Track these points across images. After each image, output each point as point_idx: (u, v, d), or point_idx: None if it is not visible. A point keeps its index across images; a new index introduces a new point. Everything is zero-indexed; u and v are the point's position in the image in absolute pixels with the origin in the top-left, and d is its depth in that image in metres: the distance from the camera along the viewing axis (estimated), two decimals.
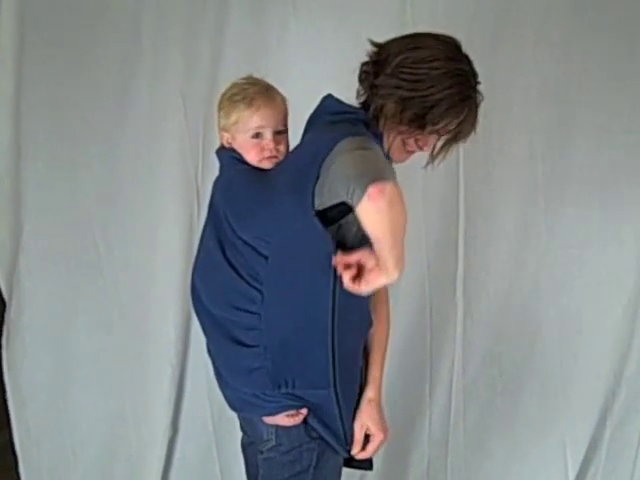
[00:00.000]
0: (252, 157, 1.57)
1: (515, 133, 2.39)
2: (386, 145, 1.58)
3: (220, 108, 1.63)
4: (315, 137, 1.55)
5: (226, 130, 1.62)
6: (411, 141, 1.60)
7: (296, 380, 1.55)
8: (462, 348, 2.53)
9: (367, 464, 1.73)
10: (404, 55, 1.51)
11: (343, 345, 1.54)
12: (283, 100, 1.61)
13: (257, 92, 1.58)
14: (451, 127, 1.55)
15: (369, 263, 1.45)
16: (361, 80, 1.60)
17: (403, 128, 1.55)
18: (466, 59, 1.56)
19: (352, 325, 1.59)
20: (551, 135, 2.39)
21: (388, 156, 1.57)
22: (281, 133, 1.58)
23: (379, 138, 1.56)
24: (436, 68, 1.51)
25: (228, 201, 1.60)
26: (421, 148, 1.62)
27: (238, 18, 2.34)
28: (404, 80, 1.51)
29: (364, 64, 1.59)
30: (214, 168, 1.73)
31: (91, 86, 2.37)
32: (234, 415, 2.52)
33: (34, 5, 2.30)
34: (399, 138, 1.58)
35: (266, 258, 1.51)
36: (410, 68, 1.51)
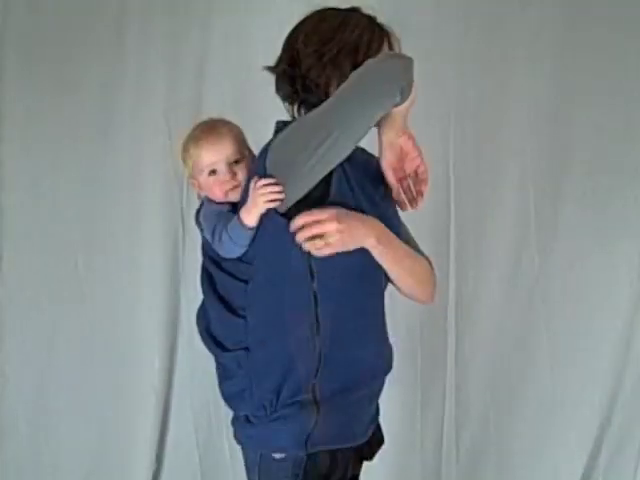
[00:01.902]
0: (217, 194, 1.54)
1: (507, 154, 2.39)
2: None
3: (182, 160, 1.61)
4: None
5: (193, 177, 1.60)
6: None
7: (281, 392, 1.48)
8: (454, 374, 2.50)
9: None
10: (302, 37, 1.50)
11: (336, 355, 1.47)
12: (231, 130, 1.56)
13: (201, 130, 1.56)
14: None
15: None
16: (291, 93, 1.53)
17: None
18: None
19: (351, 335, 1.51)
20: (543, 156, 2.38)
21: None
22: (238, 162, 1.54)
23: None
24: (326, 21, 1.50)
25: None
26: None
27: (223, 37, 2.34)
28: (316, 49, 1.47)
29: (283, 81, 1.53)
30: None
31: (73, 107, 2.35)
32: (221, 445, 2.48)
33: (15, 23, 2.29)
34: None
35: (246, 282, 1.48)
36: (312, 36, 1.49)
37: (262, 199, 1.38)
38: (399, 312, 2.43)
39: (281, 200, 1.39)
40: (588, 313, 2.44)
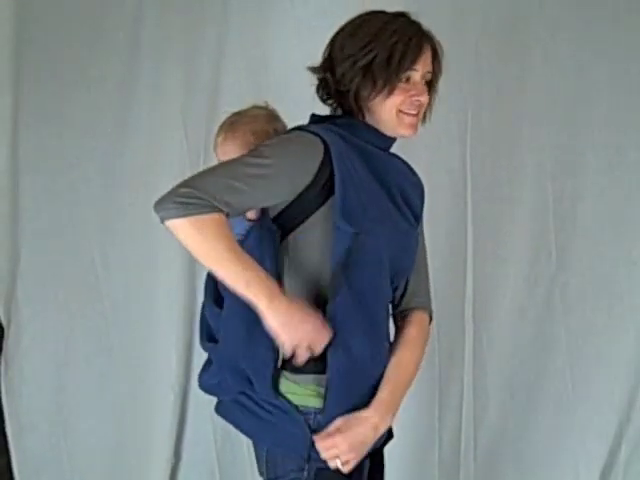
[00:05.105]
0: None
1: (524, 151, 2.37)
2: (380, 126, 1.54)
3: None
4: None
5: None
6: (402, 98, 1.51)
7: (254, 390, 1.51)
8: (472, 372, 2.48)
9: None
10: (340, 40, 1.52)
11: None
12: (246, 132, 1.58)
13: (224, 124, 1.61)
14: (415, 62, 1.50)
15: None
16: (327, 96, 1.57)
17: (386, 90, 1.49)
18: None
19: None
20: (561, 153, 2.36)
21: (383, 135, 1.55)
22: None
23: (359, 126, 1.53)
24: (365, 26, 1.50)
25: None
26: (418, 99, 1.53)
27: (239, 34, 2.34)
28: (352, 54, 1.48)
29: (320, 84, 1.57)
30: None
31: (89, 105, 2.36)
32: (238, 441, 2.49)
33: (31, 24, 2.29)
34: (389, 106, 1.51)
35: None
36: (349, 40, 1.50)
37: None
38: None
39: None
40: (606, 310, 2.42)
